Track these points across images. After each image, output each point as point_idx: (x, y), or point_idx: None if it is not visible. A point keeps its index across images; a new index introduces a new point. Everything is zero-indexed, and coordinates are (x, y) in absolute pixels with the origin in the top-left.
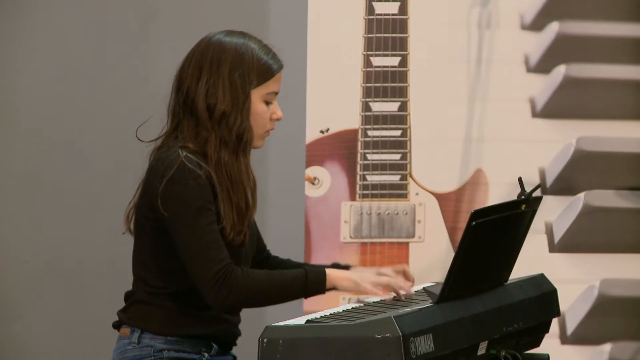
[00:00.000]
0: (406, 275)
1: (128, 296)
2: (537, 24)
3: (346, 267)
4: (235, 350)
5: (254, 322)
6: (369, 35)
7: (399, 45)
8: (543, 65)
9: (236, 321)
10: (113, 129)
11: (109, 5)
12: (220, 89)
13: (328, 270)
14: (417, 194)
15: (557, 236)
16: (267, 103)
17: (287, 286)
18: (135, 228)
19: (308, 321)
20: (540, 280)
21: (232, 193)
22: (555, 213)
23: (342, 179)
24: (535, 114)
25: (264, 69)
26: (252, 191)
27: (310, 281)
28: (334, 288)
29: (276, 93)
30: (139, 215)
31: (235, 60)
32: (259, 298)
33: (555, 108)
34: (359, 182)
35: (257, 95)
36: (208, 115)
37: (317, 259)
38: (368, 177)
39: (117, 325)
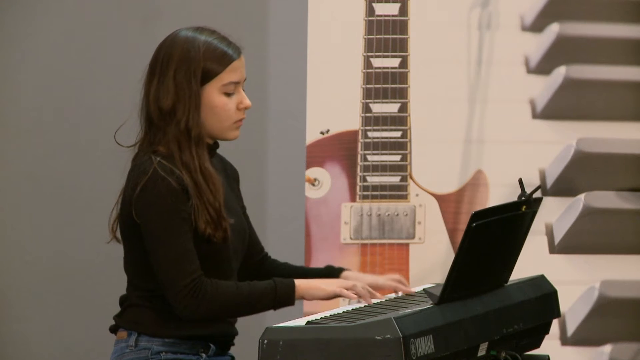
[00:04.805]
0: (401, 282)
1: (122, 301)
2: (537, 25)
3: (340, 270)
4: (235, 352)
5: (253, 323)
6: (369, 37)
7: (399, 47)
8: (543, 67)
9: (232, 320)
10: (113, 129)
11: (109, 5)
12: (165, 89)
13: (297, 282)
14: (417, 195)
15: (558, 237)
16: (229, 94)
17: (255, 300)
18: (121, 235)
19: (308, 322)
20: (540, 282)
21: (198, 189)
22: (556, 214)
23: (342, 180)
24: (535, 115)
25: (214, 61)
26: (214, 186)
27: (279, 294)
28: (302, 298)
29: (237, 82)
30: (122, 222)
31: (181, 58)
32: (226, 311)
33: (555, 109)
34: (359, 183)
35: (212, 89)
36: (160, 116)
37: (317, 260)
38: (368, 179)
39: (113, 330)
